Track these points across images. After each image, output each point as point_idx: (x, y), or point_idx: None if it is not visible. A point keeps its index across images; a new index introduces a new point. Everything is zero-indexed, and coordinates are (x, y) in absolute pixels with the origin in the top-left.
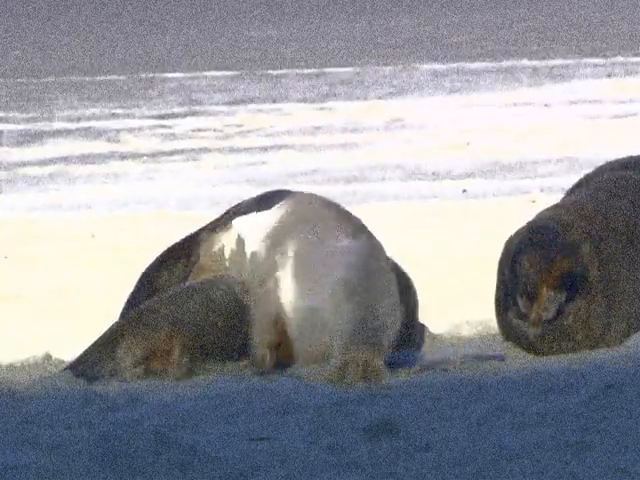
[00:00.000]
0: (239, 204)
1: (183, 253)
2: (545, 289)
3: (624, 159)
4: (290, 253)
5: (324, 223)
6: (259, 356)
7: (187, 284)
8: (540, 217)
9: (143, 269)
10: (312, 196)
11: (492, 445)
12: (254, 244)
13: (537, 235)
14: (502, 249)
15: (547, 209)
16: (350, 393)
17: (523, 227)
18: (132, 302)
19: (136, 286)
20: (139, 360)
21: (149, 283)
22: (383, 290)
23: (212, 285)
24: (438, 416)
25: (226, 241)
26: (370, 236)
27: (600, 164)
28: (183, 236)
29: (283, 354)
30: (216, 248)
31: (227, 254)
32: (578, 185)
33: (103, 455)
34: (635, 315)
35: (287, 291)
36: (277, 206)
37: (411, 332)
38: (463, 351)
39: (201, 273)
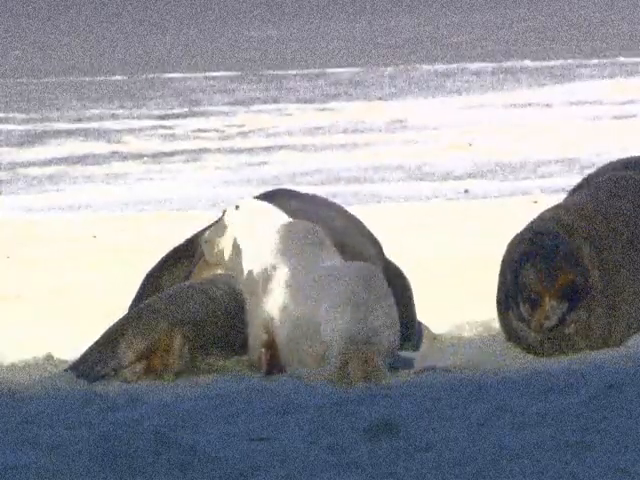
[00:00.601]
0: None
1: (185, 254)
2: (548, 299)
3: (627, 159)
4: (282, 265)
5: (319, 233)
6: (255, 356)
7: (187, 283)
8: (541, 218)
9: (144, 270)
10: (312, 202)
11: (492, 445)
12: (249, 258)
13: (541, 241)
14: (505, 250)
15: (548, 210)
16: (350, 393)
17: (526, 229)
18: (136, 304)
19: (140, 288)
20: (140, 359)
21: (152, 285)
22: (381, 292)
23: (212, 284)
24: (438, 416)
25: (225, 244)
26: (367, 242)
27: (601, 164)
28: (185, 238)
29: (275, 355)
30: (217, 249)
31: (226, 256)
32: (581, 185)
33: (103, 455)
34: (635, 316)
35: (275, 303)
36: (276, 224)
37: (410, 331)
38: (463, 351)
39: (203, 269)
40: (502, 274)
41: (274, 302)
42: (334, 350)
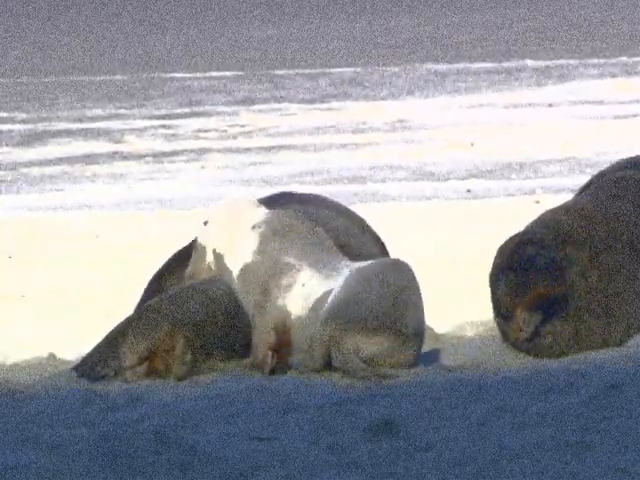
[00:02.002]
0: None
1: (189, 257)
2: (519, 312)
3: (632, 158)
4: (295, 261)
5: (319, 233)
6: (260, 357)
7: (188, 284)
8: (541, 219)
9: (146, 269)
10: (310, 200)
11: (492, 445)
12: (247, 253)
13: (519, 254)
14: (495, 256)
15: (550, 210)
16: (350, 393)
17: (516, 235)
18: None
19: (144, 292)
20: (141, 360)
21: (157, 289)
22: (370, 285)
23: (212, 285)
24: (438, 416)
25: (209, 259)
26: (367, 237)
27: (603, 164)
28: (188, 239)
29: (281, 356)
30: (202, 271)
31: (214, 268)
32: (587, 185)
33: (103, 455)
34: (635, 316)
35: (296, 299)
36: (269, 218)
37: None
38: (463, 350)
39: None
40: (490, 283)
41: (291, 297)
42: (315, 341)
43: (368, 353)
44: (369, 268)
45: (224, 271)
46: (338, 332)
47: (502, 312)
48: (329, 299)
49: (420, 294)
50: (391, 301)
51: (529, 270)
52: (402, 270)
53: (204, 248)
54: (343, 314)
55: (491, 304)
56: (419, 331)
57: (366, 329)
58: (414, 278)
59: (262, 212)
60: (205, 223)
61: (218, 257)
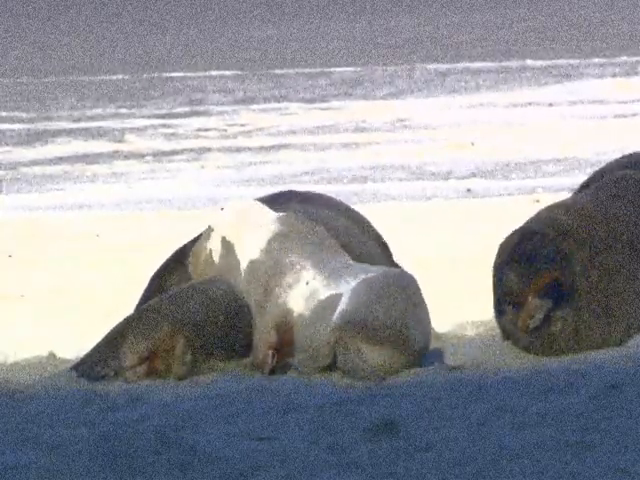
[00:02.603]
0: None
1: (188, 256)
2: (529, 298)
3: (632, 157)
4: (297, 260)
5: (319, 233)
6: (260, 357)
7: (188, 284)
8: (537, 218)
9: (146, 269)
10: (316, 199)
11: (492, 445)
12: (251, 252)
13: (524, 246)
14: (496, 252)
15: (545, 208)
16: (350, 393)
17: (515, 232)
18: (142, 305)
19: (145, 290)
20: (141, 359)
21: (157, 286)
22: (371, 294)
23: (212, 285)
24: (438, 416)
25: (214, 246)
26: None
27: (603, 164)
28: (188, 238)
29: (282, 355)
30: (205, 254)
31: (216, 257)
32: (586, 183)
33: (103, 455)
34: (635, 316)
35: (299, 297)
36: (273, 217)
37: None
38: (463, 350)
39: (196, 276)
40: (494, 279)
41: (294, 295)
42: (318, 341)
43: (373, 363)
44: (376, 279)
45: (231, 263)
46: (342, 333)
47: (512, 302)
48: (338, 305)
49: (427, 309)
50: (401, 316)
51: (535, 259)
52: (409, 284)
53: (212, 230)
54: (352, 320)
55: (492, 303)
56: (424, 346)
57: (373, 340)
58: (420, 291)
59: (269, 213)
60: (222, 209)
61: (226, 245)
